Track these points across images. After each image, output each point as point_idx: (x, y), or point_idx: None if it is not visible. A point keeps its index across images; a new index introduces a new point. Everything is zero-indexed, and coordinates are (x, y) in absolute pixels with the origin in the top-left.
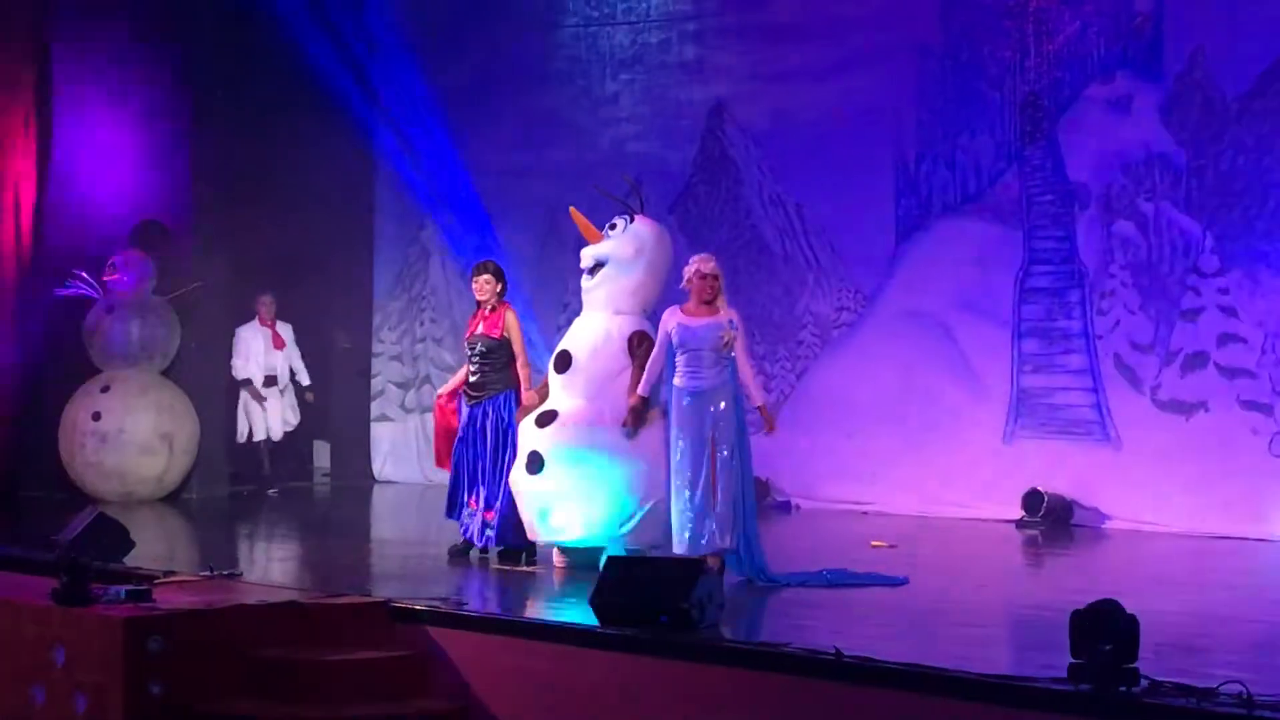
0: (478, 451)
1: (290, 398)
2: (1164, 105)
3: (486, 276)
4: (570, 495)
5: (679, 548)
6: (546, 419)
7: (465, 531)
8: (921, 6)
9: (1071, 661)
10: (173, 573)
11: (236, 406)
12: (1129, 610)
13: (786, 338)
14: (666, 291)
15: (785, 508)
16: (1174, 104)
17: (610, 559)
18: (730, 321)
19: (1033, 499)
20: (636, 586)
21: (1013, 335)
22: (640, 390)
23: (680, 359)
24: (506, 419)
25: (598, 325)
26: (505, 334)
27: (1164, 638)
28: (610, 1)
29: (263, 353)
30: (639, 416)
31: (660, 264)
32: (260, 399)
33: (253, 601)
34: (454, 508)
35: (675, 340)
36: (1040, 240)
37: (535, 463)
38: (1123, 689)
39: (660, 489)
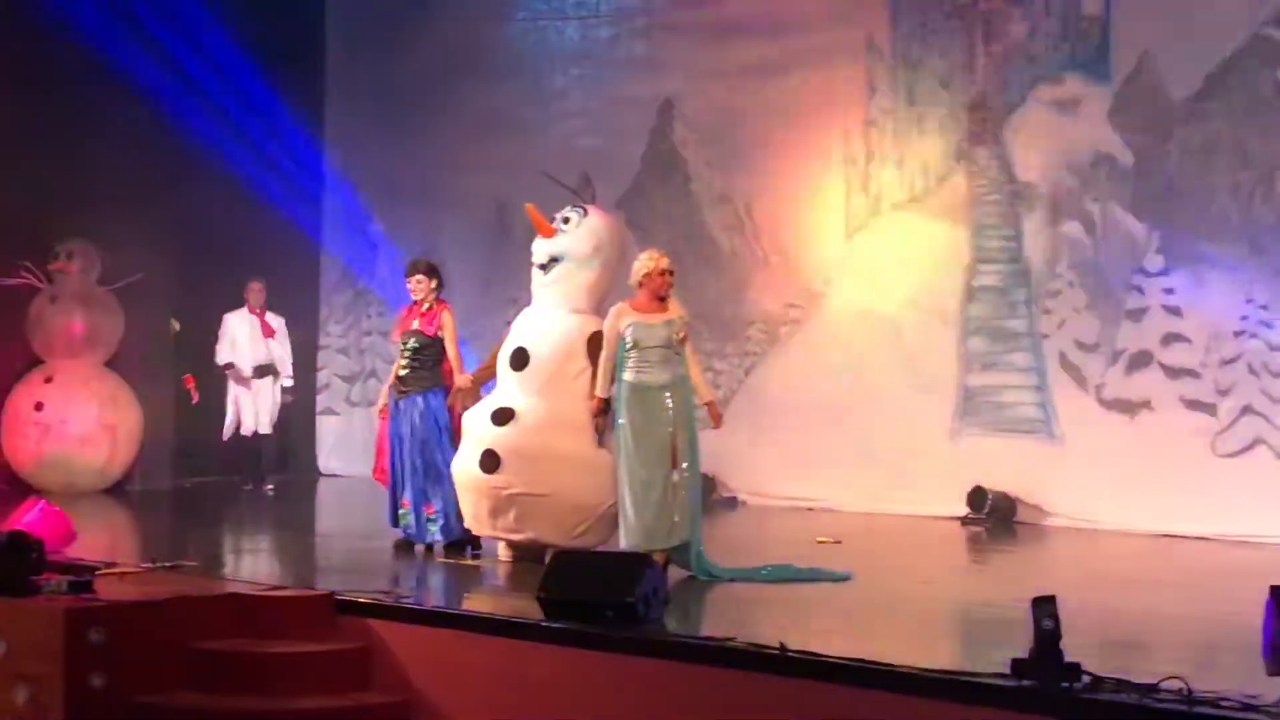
0: (407, 449)
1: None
2: (1111, 107)
3: (418, 276)
4: (526, 496)
5: (632, 541)
6: (504, 417)
7: (406, 531)
8: (870, 6)
9: (1015, 657)
10: (114, 564)
11: (225, 397)
12: (1072, 606)
13: (735, 335)
14: (620, 287)
15: (731, 503)
16: (1121, 106)
17: (556, 553)
18: (681, 316)
19: (977, 496)
20: (582, 581)
21: (960, 334)
22: (600, 392)
23: (632, 355)
24: (435, 414)
25: (556, 323)
26: (439, 333)
27: (1106, 634)
28: None
29: (249, 341)
30: (603, 418)
31: (616, 260)
32: (244, 382)
33: (195, 593)
34: (394, 515)
35: (628, 337)
36: (988, 240)
37: (491, 460)
38: (1065, 685)
39: (613, 493)
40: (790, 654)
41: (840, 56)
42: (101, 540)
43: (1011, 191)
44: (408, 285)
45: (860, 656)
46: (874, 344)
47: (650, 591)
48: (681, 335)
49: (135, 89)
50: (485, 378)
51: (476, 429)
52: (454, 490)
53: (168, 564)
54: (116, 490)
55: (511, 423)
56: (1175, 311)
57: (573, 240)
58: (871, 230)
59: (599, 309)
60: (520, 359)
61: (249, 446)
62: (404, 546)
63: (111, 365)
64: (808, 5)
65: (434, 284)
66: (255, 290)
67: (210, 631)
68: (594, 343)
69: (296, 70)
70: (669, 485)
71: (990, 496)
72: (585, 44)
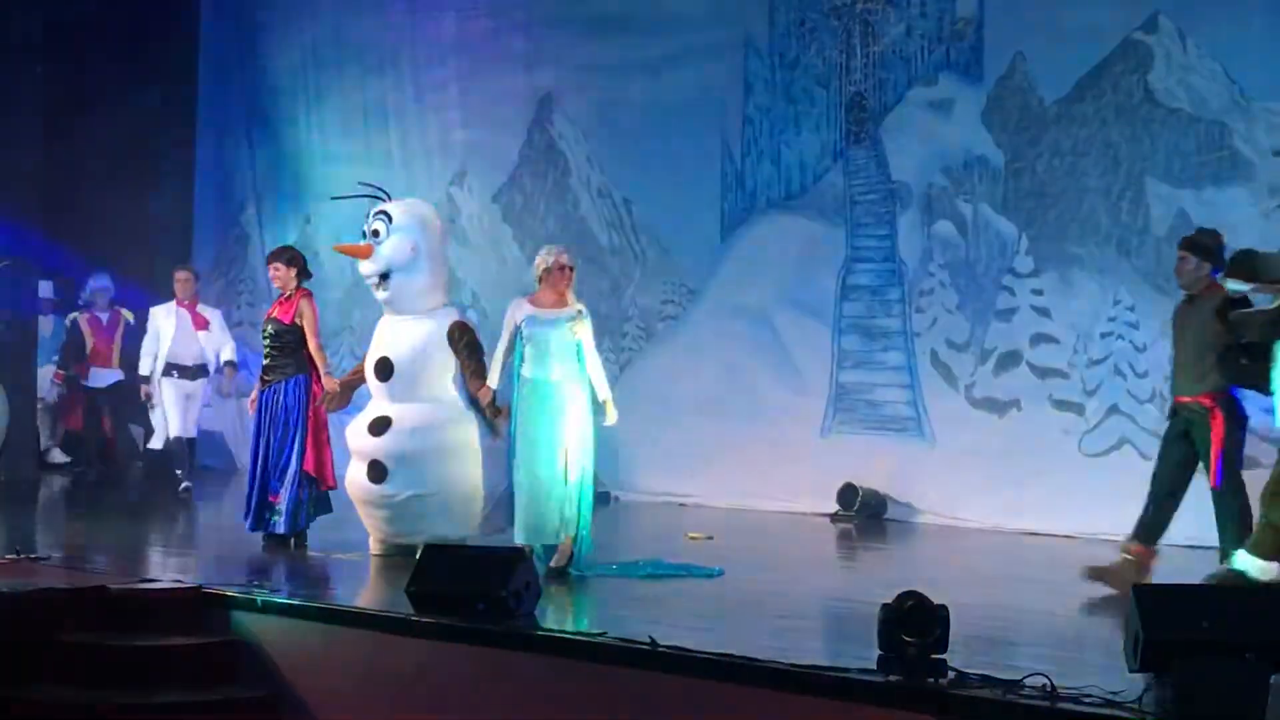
0: (269, 438)
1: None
2: (984, 108)
3: (276, 265)
4: (418, 498)
5: (520, 536)
6: (380, 426)
7: (251, 522)
8: (749, 4)
9: (881, 653)
10: None
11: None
12: (938, 603)
13: (611, 330)
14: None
15: (604, 499)
16: (994, 107)
17: (427, 546)
18: (580, 311)
19: (847, 493)
20: (454, 574)
21: (833, 331)
22: (491, 382)
23: (528, 350)
24: (295, 402)
25: (411, 328)
26: (297, 320)
27: (971, 630)
28: None
29: (180, 336)
30: (495, 408)
31: (438, 244)
32: (149, 401)
33: (60, 585)
34: (254, 515)
35: (524, 331)
36: (862, 238)
37: (377, 470)
38: (930, 680)
39: (502, 477)
40: (660, 649)
41: (719, 54)
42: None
43: (886, 191)
44: (269, 273)
45: (730, 651)
46: (749, 340)
47: (522, 586)
48: (576, 331)
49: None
50: (356, 383)
51: (357, 443)
52: (302, 483)
53: (32, 556)
54: None
55: (388, 430)
56: (1044, 312)
57: (392, 251)
58: (748, 226)
59: (446, 299)
60: (384, 369)
61: (172, 449)
62: (275, 541)
63: None
64: (686, 3)
65: (293, 272)
66: (181, 280)
67: (75, 624)
68: (455, 333)
69: (169, 58)
70: (557, 482)
71: (861, 493)
72: (463, 36)
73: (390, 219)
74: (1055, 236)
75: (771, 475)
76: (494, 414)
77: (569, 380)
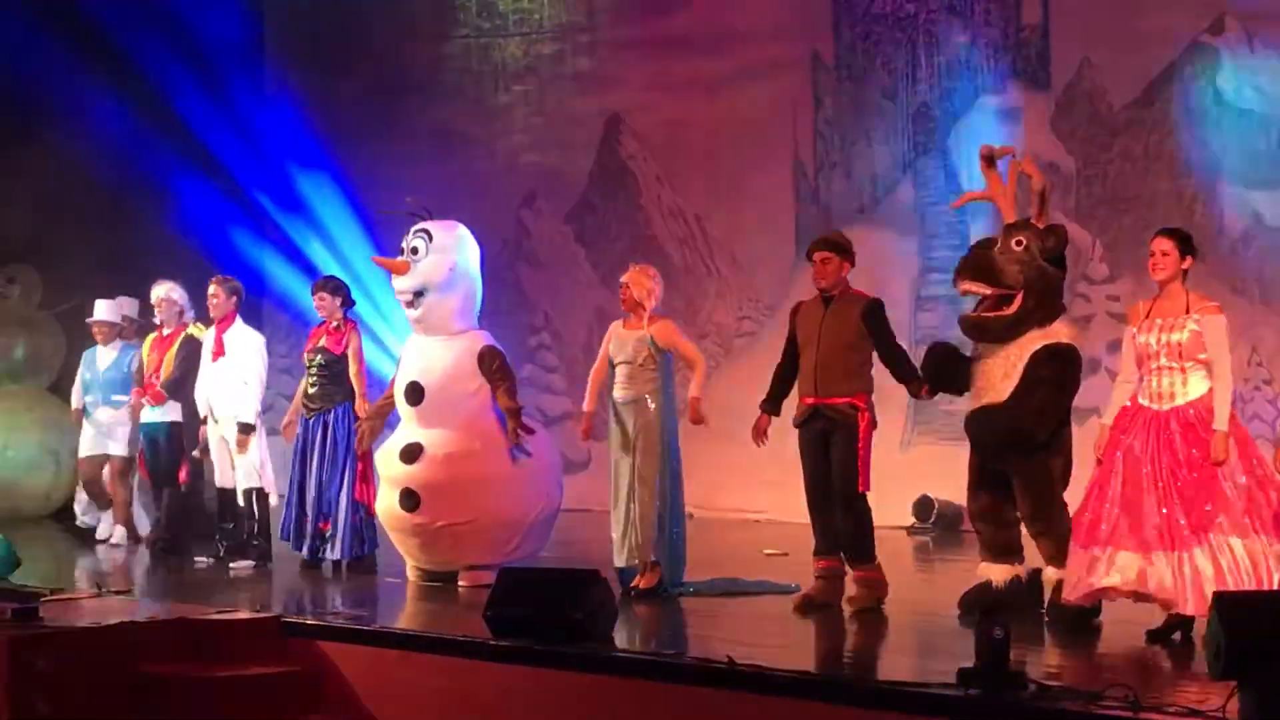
0: (316, 466)
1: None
2: (1053, 115)
3: (321, 294)
4: (453, 527)
5: (618, 560)
6: (412, 454)
7: (307, 550)
8: (814, 18)
9: (961, 667)
10: (61, 590)
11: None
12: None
13: None
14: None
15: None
16: (1063, 114)
17: (503, 570)
18: (649, 334)
19: (923, 505)
20: (529, 598)
21: (909, 343)
22: (585, 405)
23: (614, 371)
24: (345, 430)
25: (441, 351)
26: (346, 350)
27: (1052, 643)
28: (501, 13)
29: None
30: (521, 423)
31: (474, 267)
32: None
33: (142, 619)
34: (297, 534)
35: (611, 352)
36: (935, 249)
37: (410, 499)
38: (1011, 693)
39: (539, 500)
40: (738, 668)
41: (786, 69)
42: (47, 567)
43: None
44: (314, 303)
45: (807, 669)
46: None
47: (597, 607)
48: (645, 352)
49: (76, 110)
50: (387, 409)
51: (389, 470)
52: (351, 509)
53: (114, 590)
54: (61, 516)
55: (420, 458)
56: (1120, 318)
57: (429, 270)
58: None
59: (477, 323)
60: (415, 393)
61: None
62: (309, 567)
63: (54, 390)
64: (751, 18)
65: (339, 301)
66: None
67: (157, 657)
68: (485, 357)
69: (235, 88)
70: (630, 504)
71: (937, 505)
72: (529, 60)
73: (430, 238)
74: (1129, 242)
75: None
76: (519, 427)
77: (636, 401)
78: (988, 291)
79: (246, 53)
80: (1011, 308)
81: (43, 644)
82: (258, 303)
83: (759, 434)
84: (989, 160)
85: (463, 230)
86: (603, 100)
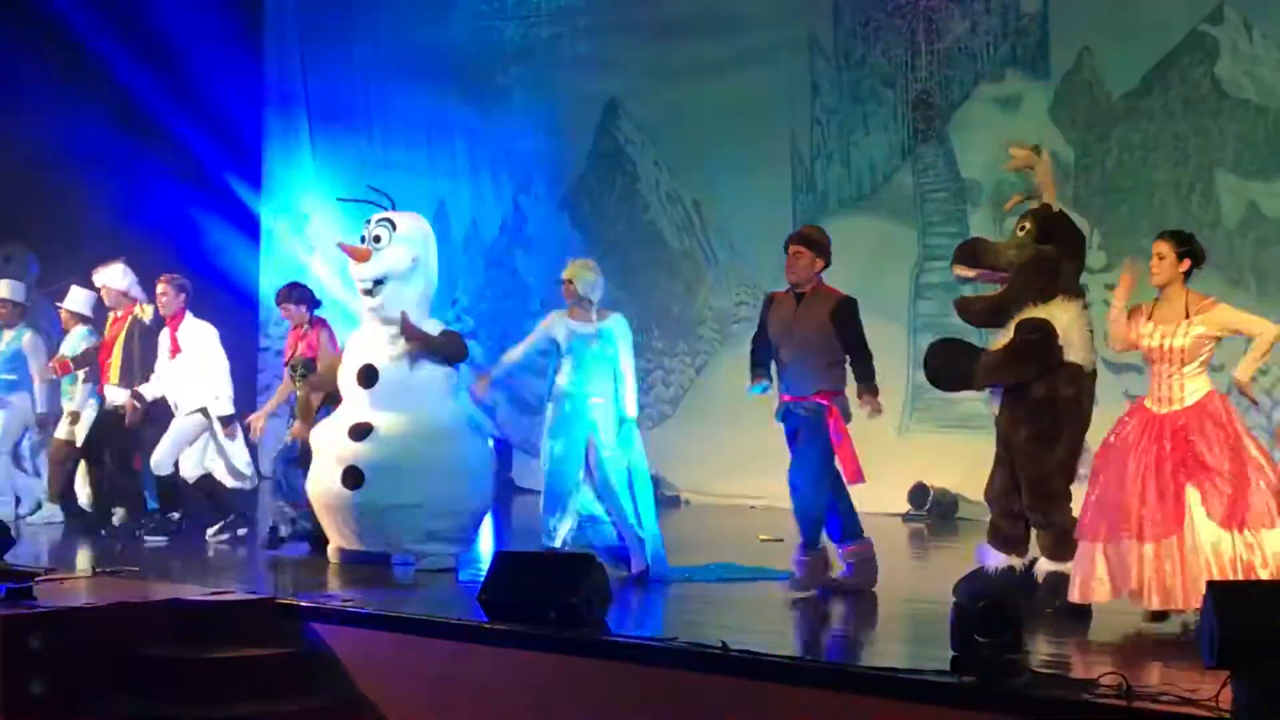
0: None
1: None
2: (1052, 104)
3: (286, 306)
4: (398, 508)
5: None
6: (361, 432)
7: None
8: (813, 4)
9: (954, 655)
10: (54, 570)
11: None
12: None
13: (686, 333)
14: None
15: (674, 502)
16: (1061, 102)
17: (499, 554)
18: (607, 332)
19: (918, 493)
20: (525, 582)
21: (909, 330)
22: (494, 371)
23: (560, 360)
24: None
25: (393, 334)
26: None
27: (1046, 631)
28: None
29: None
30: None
31: (434, 260)
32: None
33: (136, 599)
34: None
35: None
36: (934, 237)
37: (354, 476)
38: (1005, 680)
39: (483, 491)
40: (732, 653)
41: (784, 55)
42: (41, 547)
43: (957, 188)
44: (281, 315)
45: (801, 655)
46: None
47: (593, 592)
48: (600, 345)
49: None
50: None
51: (332, 447)
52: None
53: (108, 570)
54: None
55: (370, 437)
56: None
57: (390, 259)
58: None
59: (429, 312)
60: (369, 376)
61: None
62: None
63: None
64: (750, 3)
65: (304, 308)
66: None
67: (151, 637)
68: (439, 337)
69: (235, 72)
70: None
71: (932, 493)
72: (527, 44)
73: (394, 227)
74: (1126, 231)
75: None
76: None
77: (593, 394)
78: (970, 274)
79: (246, 38)
80: (999, 290)
81: (37, 624)
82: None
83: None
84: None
85: (425, 223)
86: (600, 85)
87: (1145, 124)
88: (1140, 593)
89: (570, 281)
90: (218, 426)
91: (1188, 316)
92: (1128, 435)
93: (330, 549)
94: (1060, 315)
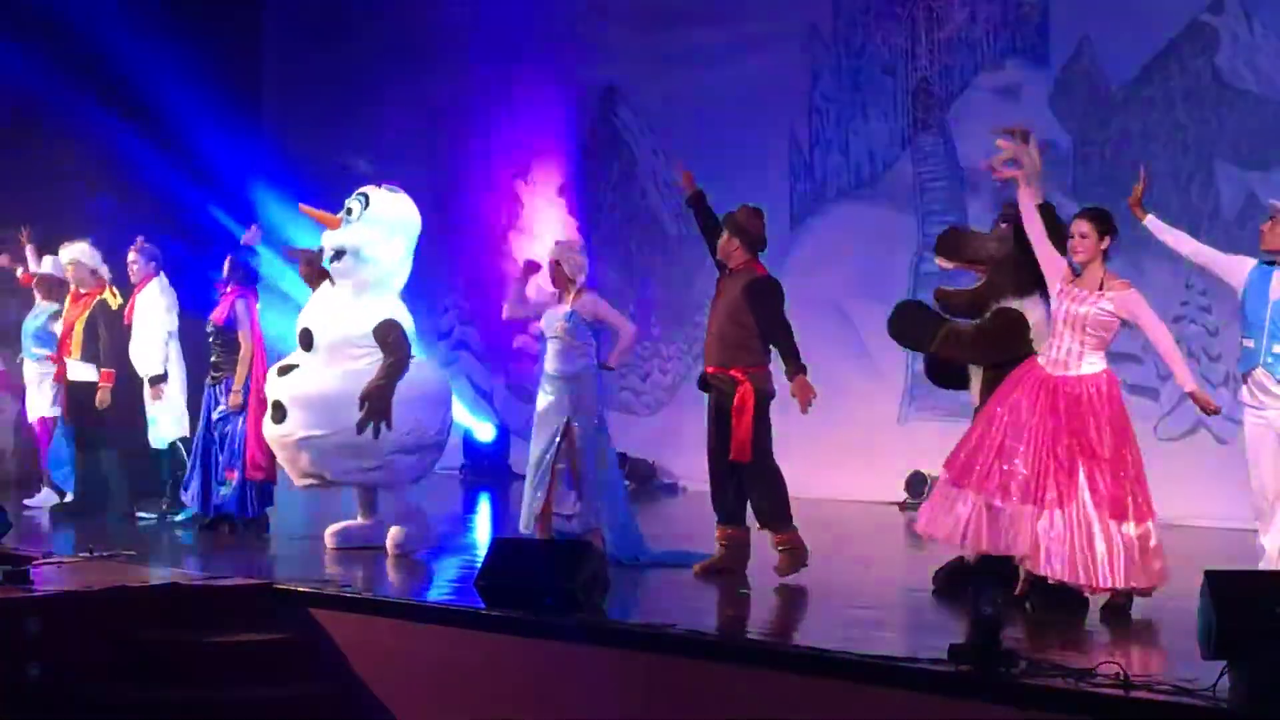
0: (227, 430)
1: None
2: (1052, 93)
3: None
4: (314, 439)
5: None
6: (287, 369)
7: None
8: None
9: (952, 643)
10: (51, 554)
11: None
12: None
13: (683, 320)
14: (418, 261)
15: (672, 490)
16: (1061, 92)
17: (496, 540)
18: (573, 313)
19: (916, 481)
20: (522, 568)
21: None
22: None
23: (543, 345)
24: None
25: (343, 307)
26: (231, 319)
27: (1044, 619)
28: None
29: None
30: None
31: (407, 240)
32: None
33: (133, 584)
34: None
35: (541, 326)
36: (934, 225)
37: (278, 411)
38: (1002, 670)
39: (408, 425)
40: (730, 641)
41: (783, 42)
42: (38, 530)
43: (956, 177)
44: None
45: (798, 643)
46: (821, 330)
47: (590, 578)
48: (573, 327)
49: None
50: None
51: (268, 388)
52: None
53: (105, 554)
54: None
55: (294, 372)
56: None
57: (354, 234)
58: (819, 215)
59: (396, 292)
60: (306, 339)
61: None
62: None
63: None
64: None
65: (233, 273)
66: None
67: (149, 621)
68: (380, 329)
69: (233, 59)
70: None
71: (930, 481)
72: (526, 31)
73: (367, 204)
74: (1126, 221)
75: (844, 464)
76: (371, 414)
77: (573, 377)
78: (948, 265)
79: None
80: (978, 284)
81: (33, 608)
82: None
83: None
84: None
85: (405, 203)
86: (598, 72)
87: (1145, 113)
88: (1035, 560)
89: (557, 263)
90: (146, 387)
91: (1101, 289)
92: (1022, 395)
93: (327, 535)
94: (1035, 311)
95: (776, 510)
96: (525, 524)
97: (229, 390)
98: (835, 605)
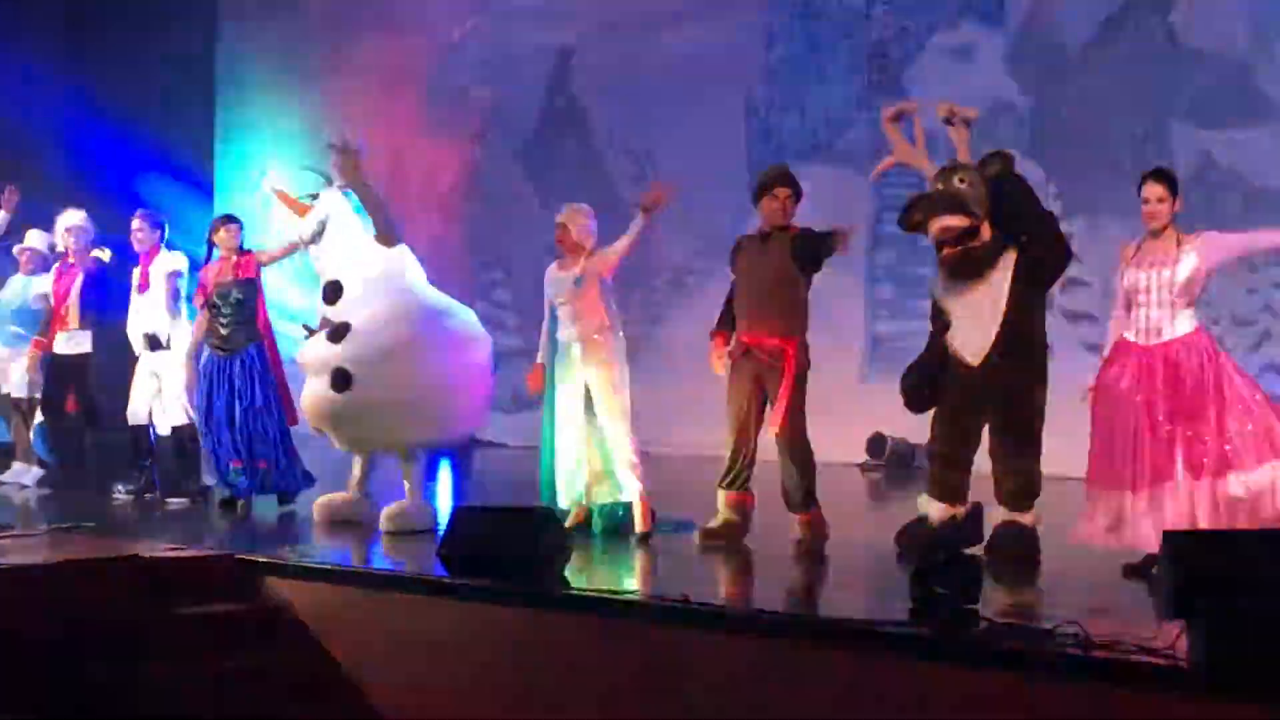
0: (241, 406)
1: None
2: (1008, 54)
3: (233, 227)
4: (390, 403)
5: (564, 501)
6: (340, 334)
7: (236, 490)
8: None
9: (913, 605)
10: (9, 527)
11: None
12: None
13: (641, 284)
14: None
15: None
16: (1017, 52)
17: (458, 509)
18: (575, 278)
19: (876, 443)
20: (484, 536)
21: (867, 281)
22: (541, 356)
23: (555, 311)
24: (260, 369)
25: (357, 252)
26: (257, 274)
27: (1000, 580)
28: None
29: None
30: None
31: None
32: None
33: (94, 556)
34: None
35: (550, 295)
36: (891, 188)
37: (343, 378)
38: (962, 631)
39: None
40: (694, 605)
41: (739, 5)
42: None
43: (912, 139)
44: (220, 237)
45: (761, 607)
46: None
47: (552, 546)
48: (587, 290)
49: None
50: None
51: (316, 357)
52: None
53: (65, 526)
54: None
55: (349, 336)
56: (1074, 256)
57: (327, 201)
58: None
59: None
60: (334, 291)
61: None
62: (229, 504)
63: None
64: None
65: (234, 230)
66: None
67: (110, 595)
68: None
69: (187, 24)
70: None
71: (890, 442)
72: None
73: (330, 182)
74: (1082, 180)
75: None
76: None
77: (588, 341)
78: (966, 223)
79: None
80: (983, 236)
81: None
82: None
83: None
84: (894, 119)
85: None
86: (554, 36)
87: (1101, 73)
88: (1138, 540)
89: (564, 225)
90: (163, 365)
91: (1179, 246)
92: (1122, 375)
93: (315, 507)
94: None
95: (810, 487)
96: (569, 499)
97: (249, 360)
98: (798, 568)
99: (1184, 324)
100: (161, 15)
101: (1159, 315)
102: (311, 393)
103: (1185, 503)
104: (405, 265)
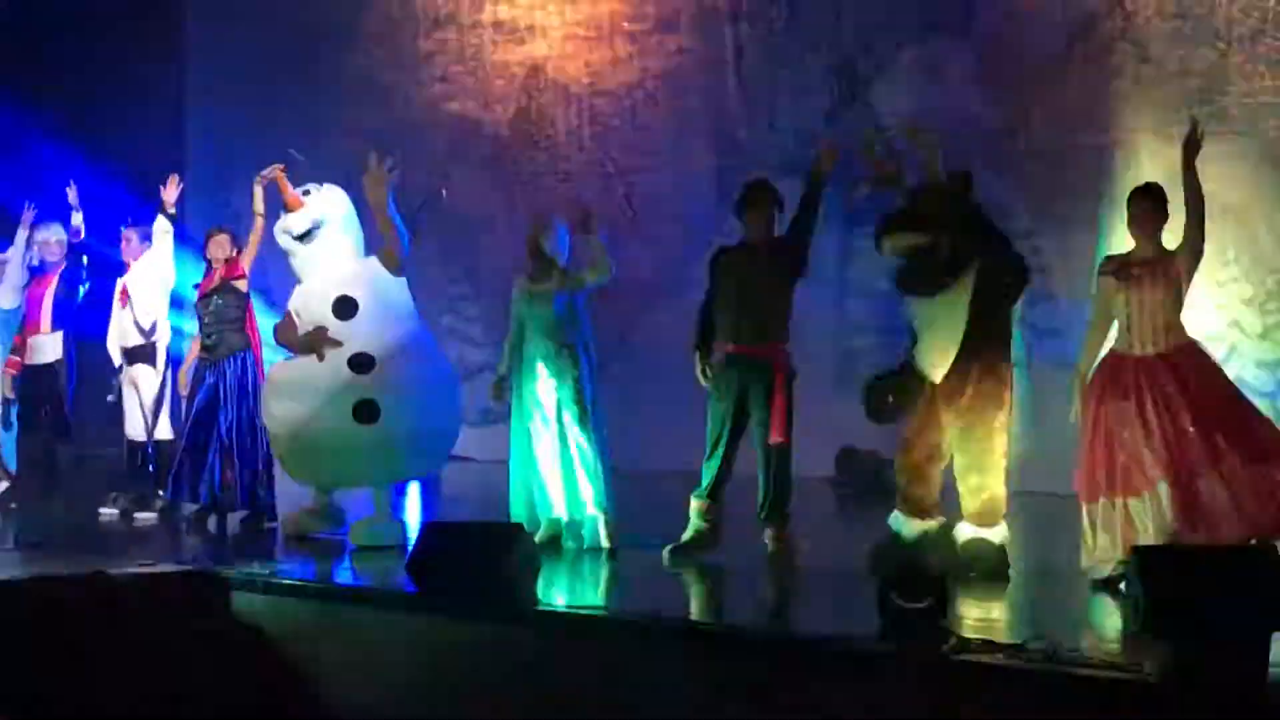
0: (226, 416)
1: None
2: (976, 68)
3: (222, 238)
4: (423, 434)
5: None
6: (363, 363)
7: (203, 498)
8: None
9: (881, 620)
10: None
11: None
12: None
13: (610, 297)
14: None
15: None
16: (986, 66)
17: (427, 524)
18: (545, 292)
19: (846, 457)
20: (454, 551)
21: (837, 295)
22: (502, 369)
23: (529, 325)
24: (245, 377)
25: (355, 271)
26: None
27: (973, 595)
28: None
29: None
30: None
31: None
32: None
33: (57, 573)
34: (180, 483)
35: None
36: (862, 202)
37: (370, 410)
38: (932, 647)
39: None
40: (664, 623)
41: (708, 19)
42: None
43: (882, 154)
44: (212, 245)
45: (731, 624)
46: None
47: (523, 562)
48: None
49: None
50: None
51: (331, 385)
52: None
53: (31, 541)
54: None
55: (376, 368)
56: (1042, 270)
57: (326, 203)
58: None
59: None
60: (347, 307)
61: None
62: (201, 518)
63: None
64: None
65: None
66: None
67: (73, 611)
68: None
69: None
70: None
71: (859, 456)
72: (452, 8)
73: (320, 185)
74: (1050, 195)
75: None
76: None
77: (562, 354)
78: (924, 241)
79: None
80: (943, 253)
81: None
82: None
83: None
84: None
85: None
86: (523, 50)
87: (1068, 87)
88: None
89: (533, 239)
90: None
91: (1162, 257)
92: (1119, 386)
93: (283, 522)
94: None
95: (788, 500)
96: (539, 514)
97: (236, 368)
98: (766, 583)
99: (1179, 334)
100: (128, 34)
101: (1154, 326)
102: (324, 422)
103: (1224, 493)
104: (408, 295)
